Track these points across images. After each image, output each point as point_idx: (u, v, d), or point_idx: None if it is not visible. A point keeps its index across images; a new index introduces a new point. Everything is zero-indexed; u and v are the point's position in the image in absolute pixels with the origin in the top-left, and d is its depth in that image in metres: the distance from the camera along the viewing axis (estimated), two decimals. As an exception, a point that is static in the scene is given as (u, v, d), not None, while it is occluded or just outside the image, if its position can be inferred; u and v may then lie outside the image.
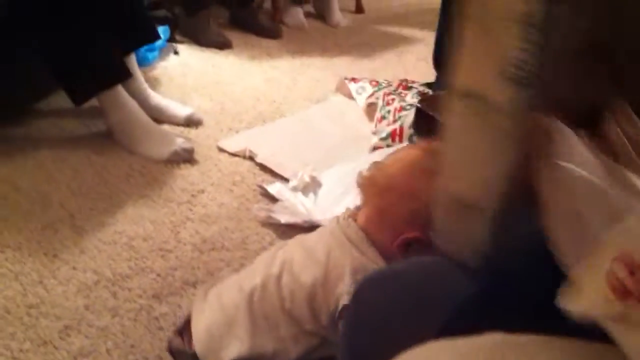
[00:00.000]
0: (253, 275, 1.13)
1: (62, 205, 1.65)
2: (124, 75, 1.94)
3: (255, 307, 1.08)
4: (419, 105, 1.59)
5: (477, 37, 0.61)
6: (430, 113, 1.53)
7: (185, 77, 2.53)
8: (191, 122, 2.13)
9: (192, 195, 1.75)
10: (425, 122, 1.58)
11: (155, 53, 2.59)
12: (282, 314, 1.07)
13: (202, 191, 1.77)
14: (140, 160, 1.88)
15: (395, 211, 1.06)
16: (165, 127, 2.06)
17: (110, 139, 1.96)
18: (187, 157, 1.89)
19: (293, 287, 1.07)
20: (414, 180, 1.03)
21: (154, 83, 2.39)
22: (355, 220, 1.13)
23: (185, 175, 1.83)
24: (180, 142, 1.91)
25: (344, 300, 1.01)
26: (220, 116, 2.21)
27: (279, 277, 1.09)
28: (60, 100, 2.09)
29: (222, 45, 2.85)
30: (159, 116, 2.09)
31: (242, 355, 1.05)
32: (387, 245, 1.07)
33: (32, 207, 1.63)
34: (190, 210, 1.68)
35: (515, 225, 0.65)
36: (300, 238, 1.19)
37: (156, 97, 2.16)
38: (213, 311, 1.11)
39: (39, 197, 1.67)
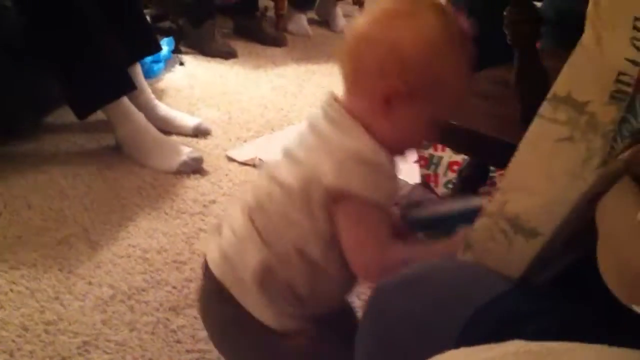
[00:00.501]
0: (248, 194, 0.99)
1: (75, 221, 1.66)
2: (127, 88, 1.95)
3: (257, 225, 0.94)
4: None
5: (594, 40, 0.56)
6: None
7: (191, 88, 2.54)
8: (199, 133, 2.14)
9: (204, 206, 1.75)
10: None
11: (161, 65, 2.60)
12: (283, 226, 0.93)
13: (214, 201, 1.77)
14: (151, 173, 1.89)
15: (365, 66, 0.89)
16: (174, 138, 2.07)
17: (120, 152, 1.97)
18: (196, 167, 1.90)
19: (281, 197, 0.92)
20: (378, 25, 0.88)
21: (160, 95, 2.40)
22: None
23: (196, 186, 1.84)
24: (188, 152, 1.92)
25: (328, 180, 0.86)
26: (228, 126, 2.22)
27: (269, 193, 0.93)
28: (69, 114, 2.10)
29: (227, 55, 2.87)
30: (166, 127, 2.10)
31: (264, 258, 0.92)
32: (371, 116, 0.89)
33: (46, 223, 1.64)
34: (203, 221, 1.69)
35: (565, 255, 0.62)
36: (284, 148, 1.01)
37: (164, 109, 2.17)
38: (223, 237, 0.99)
39: (52, 213, 1.68)
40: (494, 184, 1.56)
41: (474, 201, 0.97)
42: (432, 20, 0.85)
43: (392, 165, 0.91)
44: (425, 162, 1.79)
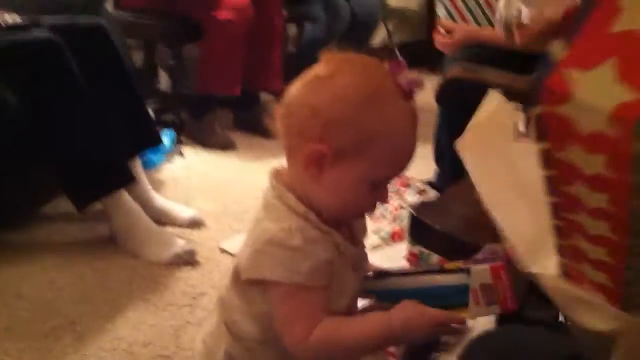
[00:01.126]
0: None
1: (63, 312, 1.66)
2: (126, 181, 1.99)
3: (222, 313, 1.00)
4: (412, 212, 1.59)
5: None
6: (426, 221, 1.51)
7: (189, 179, 2.58)
8: (194, 224, 2.16)
9: (193, 298, 1.75)
10: (420, 230, 1.56)
11: (162, 156, 2.66)
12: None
13: (203, 294, 1.78)
14: (142, 264, 1.90)
15: (292, 131, 0.88)
16: (168, 229, 2.09)
17: (113, 242, 1.99)
18: (188, 260, 1.92)
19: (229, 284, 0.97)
20: (302, 89, 0.88)
21: (158, 185, 2.44)
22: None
23: (187, 278, 1.85)
24: (181, 245, 1.94)
25: (243, 270, 0.90)
26: (222, 217, 2.24)
27: None
28: (64, 204, 2.14)
29: (226, 146, 2.93)
30: (162, 218, 2.13)
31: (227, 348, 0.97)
32: (307, 184, 0.88)
33: (34, 314, 1.64)
34: (191, 313, 1.69)
35: None
36: None
37: (159, 200, 2.20)
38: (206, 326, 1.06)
39: (42, 304, 1.69)
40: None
41: (439, 278, 0.97)
42: (352, 79, 0.85)
43: (325, 240, 0.88)
44: (415, 259, 1.80)
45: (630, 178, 0.52)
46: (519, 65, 1.42)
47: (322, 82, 0.86)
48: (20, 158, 1.94)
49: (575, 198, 0.57)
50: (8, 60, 1.87)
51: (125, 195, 1.98)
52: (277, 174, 0.94)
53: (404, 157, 0.89)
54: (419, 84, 0.86)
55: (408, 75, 0.86)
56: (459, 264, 0.98)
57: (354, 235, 0.97)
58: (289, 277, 0.86)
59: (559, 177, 0.58)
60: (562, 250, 0.64)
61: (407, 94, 0.85)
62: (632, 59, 0.51)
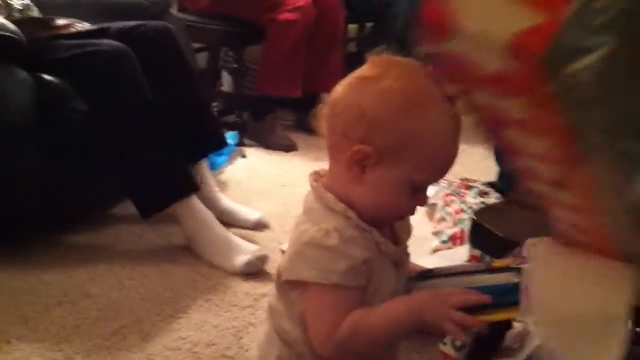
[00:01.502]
0: None
1: (130, 311, 1.70)
2: (191, 190, 2.01)
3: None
4: (474, 217, 1.56)
5: None
6: (487, 227, 1.49)
7: (251, 181, 2.62)
8: (259, 227, 2.18)
9: (255, 300, 1.78)
10: (481, 236, 1.54)
11: (225, 158, 2.70)
12: None
13: (265, 295, 1.79)
14: (205, 266, 1.93)
15: (336, 132, 0.90)
16: (232, 230, 2.12)
17: (178, 243, 2.04)
18: (261, 267, 1.92)
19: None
20: (348, 91, 0.89)
21: (221, 186, 2.48)
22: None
23: (249, 279, 1.87)
24: (254, 251, 1.94)
25: (283, 272, 0.92)
26: (284, 219, 2.26)
27: None
28: (131, 207, 2.20)
29: (288, 148, 2.95)
30: (228, 220, 2.16)
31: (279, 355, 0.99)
32: (348, 184, 0.90)
33: (103, 313, 1.69)
34: (253, 315, 1.71)
35: None
36: None
37: (226, 201, 2.23)
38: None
39: (109, 303, 1.73)
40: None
41: (486, 278, 0.94)
42: (398, 82, 0.85)
43: (364, 239, 0.89)
44: (477, 261, 1.78)
45: (564, 121, 0.42)
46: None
47: (368, 83, 0.88)
48: (89, 163, 2.00)
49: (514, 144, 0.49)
50: (78, 69, 1.93)
51: (195, 202, 2.00)
52: (316, 176, 0.96)
53: (445, 162, 0.89)
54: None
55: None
56: (509, 261, 0.96)
57: (396, 235, 0.97)
58: (325, 277, 0.86)
59: (487, 122, 0.50)
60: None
61: (451, 99, 0.85)
62: None
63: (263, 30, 2.89)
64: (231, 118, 3.11)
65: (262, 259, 1.93)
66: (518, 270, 0.91)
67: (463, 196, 2.04)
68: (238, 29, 2.95)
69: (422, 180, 0.89)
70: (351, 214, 0.89)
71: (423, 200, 0.92)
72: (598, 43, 0.39)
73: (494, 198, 2.04)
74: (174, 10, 2.94)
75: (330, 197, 0.90)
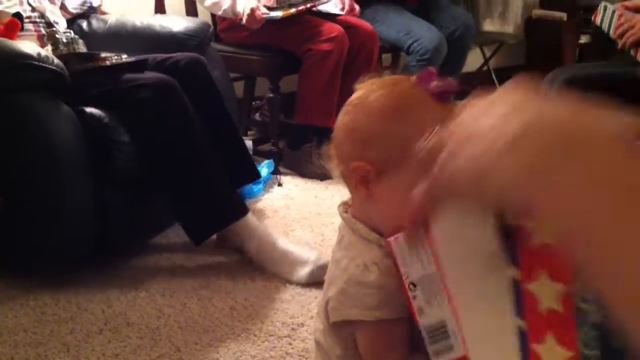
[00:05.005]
0: None
1: (169, 340, 1.72)
2: (242, 212, 2.07)
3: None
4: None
5: None
6: None
7: (288, 209, 2.63)
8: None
9: (292, 329, 1.78)
10: None
11: (261, 186, 2.72)
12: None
13: (302, 324, 1.80)
14: (243, 293, 1.95)
15: (339, 156, 0.91)
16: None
17: (216, 272, 2.06)
18: (323, 276, 1.93)
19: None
20: (342, 116, 0.91)
21: (258, 215, 2.50)
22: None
23: (286, 308, 1.88)
24: (314, 260, 2.00)
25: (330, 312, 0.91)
26: (320, 247, 2.27)
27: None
28: (171, 234, 2.23)
29: (323, 176, 2.96)
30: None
31: None
32: (365, 206, 0.90)
33: (142, 341, 1.71)
34: (290, 344, 1.71)
35: None
36: None
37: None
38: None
39: (149, 331, 1.76)
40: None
41: None
42: (378, 95, 0.88)
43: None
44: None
45: None
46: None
47: (356, 106, 0.90)
48: (132, 194, 2.04)
49: None
50: (127, 100, 1.98)
51: (251, 219, 2.06)
52: (345, 206, 0.95)
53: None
54: (451, 86, 0.86)
55: (439, 81, 0.86)
56: None
57: None
58: (371, 314, 0.86)
59: None
60: None
61: (439, 97, 0.86)
62: None
63: (299, 60, 2.93)
64: (267, 147, 3.14)
65: (324, 267, 1.95)
66: None
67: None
68: (275, 59, 2.99)
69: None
70: (383, 242, 0.88)
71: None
72: None
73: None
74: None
75: (361, 227, 0.90)
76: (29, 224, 1.92)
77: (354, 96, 0.92)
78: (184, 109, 2.00)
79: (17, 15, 2.20)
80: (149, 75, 2.04)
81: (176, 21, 2.63)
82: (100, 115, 1.96)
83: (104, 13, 2.71)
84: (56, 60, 1.89)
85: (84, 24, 2.58)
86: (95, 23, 2.61)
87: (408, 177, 0.86)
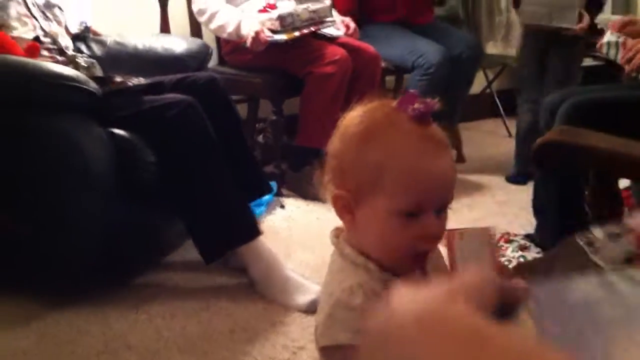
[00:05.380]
0: None
1: (169, 362, 1.72)
2: (255, 233, 2.07)
3: None
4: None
5: None
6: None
7: (290, 230, 2.63)
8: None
9: (293, 353, 1.77)
10: None
11: (263, 208, 2.72)
12: None
13: (303, 348, 1.79)
14: (243, 316, 1.94)
15: (327, 182, 0.92)
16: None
17: (217, 293, 2.06)
18: None
19: None
20: (336, 142, 0.91)
21: (260, 237, 2.50)
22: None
23: (287, 331, 1.87)
24: (317, 290, 1.96)
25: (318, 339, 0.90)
26: (322, 269, 2.24)
27: None
28: (175, 255, 2.23)
29: (326, 198, 2.97)
30: None
31: None
32: (353, 234, 0.91)
33: (141, 364, 1.71)
34: (291, 368, 1.70)
35: None
36: None
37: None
38: None
39: (148, 354, 1.75)
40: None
41: None
42: (356, 123, 0.89)
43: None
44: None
45: None
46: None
47: (337, 133, 0.92)
48: (145, 215, 2.05)
49: None
50: (152, 121, 2.00)
51: (261, 243, 2.07)
52: (337, 232, 0.96)
53: (421, 180, 0.86)
54: (430, 107, 0.86)
55: (419, 104, 0.86)
56: None
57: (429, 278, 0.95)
58: (358, 338, 0.85)
59: None
60: None
61: (418, 120, 0.86)
62: None
63: (302, 82, 2.94)
64: (269, 169, 3.15)
65: None
66: None
67: (503, 250, 2.03)
68: (277, 81, 3.00)
69: (406, 205, 0.85)
70: (371, 265, 0.89)
71: (428, 227, 0.87)
72: None
73: (533, 253, 2.03)
74: (211, 62, 3.01)
75: (350, 251, 0.91)
76: (52, 243, 1.94)
77: (339, 125, 0.93)
78: (206, 129, 2.03)
79: (37, 39, 2.22)
80: (170, 95, 2.07)
81: (177, 43, 2.65)
82: (130, 137, 1.98)
83: (97, 34, 2.71)
84: (92, 83, 1.91)
85: (83, 47, 2.59)
86: (94, 45, 2.61)
87: (384, 203, 0.87)
